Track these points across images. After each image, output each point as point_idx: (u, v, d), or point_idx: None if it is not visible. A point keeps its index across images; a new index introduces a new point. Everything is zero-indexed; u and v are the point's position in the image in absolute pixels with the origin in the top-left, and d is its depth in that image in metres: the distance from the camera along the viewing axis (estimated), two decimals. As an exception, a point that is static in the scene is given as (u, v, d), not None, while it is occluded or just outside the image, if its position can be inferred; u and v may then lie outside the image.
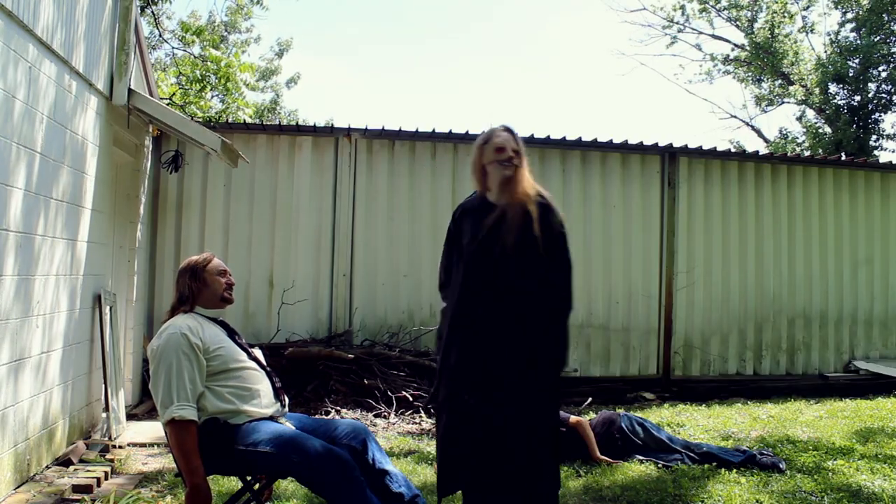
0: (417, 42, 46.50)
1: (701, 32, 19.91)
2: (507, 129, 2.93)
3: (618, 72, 44.06)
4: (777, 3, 17.99)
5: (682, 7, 19.22)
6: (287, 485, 3.96)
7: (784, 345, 8.05)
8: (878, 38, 16.35)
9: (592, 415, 5.70)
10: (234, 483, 3.90)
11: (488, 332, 2.77)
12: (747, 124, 20.75)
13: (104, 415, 5.10)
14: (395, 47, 45.07)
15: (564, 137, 7.47)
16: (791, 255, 8.12)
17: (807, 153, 14.48)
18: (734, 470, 4.40)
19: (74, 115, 4.64)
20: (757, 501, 3.87)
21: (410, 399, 6.18)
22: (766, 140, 20.34)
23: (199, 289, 3.04)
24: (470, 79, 47.32)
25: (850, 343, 8.29)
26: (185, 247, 6.95)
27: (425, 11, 45.51)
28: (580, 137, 7.46)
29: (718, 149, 7.96)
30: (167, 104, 7.50)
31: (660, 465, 4.55)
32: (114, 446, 4.90)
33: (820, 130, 17.67)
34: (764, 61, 18.13)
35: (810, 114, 18.40)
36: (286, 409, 3.10)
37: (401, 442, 5.33)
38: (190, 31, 9.67)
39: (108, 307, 5.28)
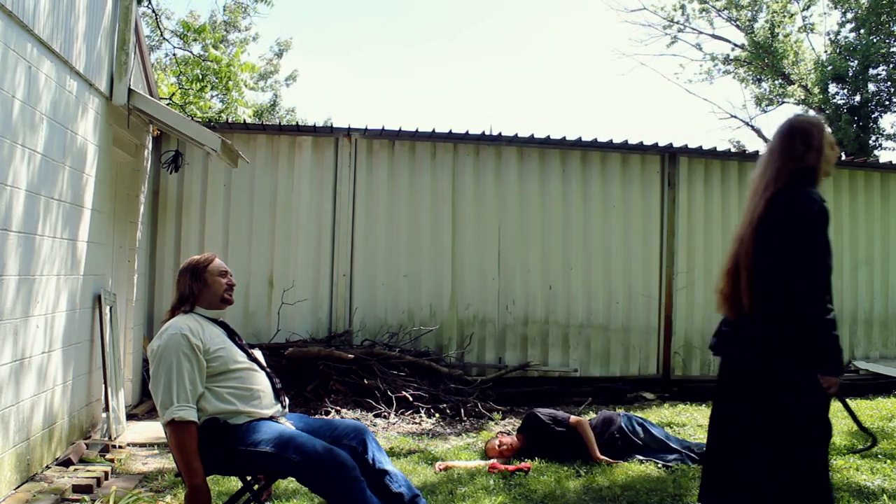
0: (417, 42, 46.53)
1: (701, 32, 19.91)
2: None
3: (618, 72, 44.15)
4: (777, 3, 18.00)
5: (682, 7, 19.22)
6: (287, 485, 3.96)
7: (784, 345, 8.03)
8: (878, 38, 16.36)
9: (592, 415, 5.70)
10: (234, 483, 3.90)
11: None
12: (747, 124, 20.76)
13: (104, 415, 5.11)
14: (394, 47, 45.11)
15: (564, 137, 7.47)
16: (791, 255, 8.10)
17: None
18: (734, 470, 4.40)
19: (74, 115, 4.64)
20: (757, 501, 3.87)
21: (410, 399, 6.18)
22: (766, 140, 20.32)
23: (199, 289, 3.04)
24: (470, 79, 47.37)
25: (850, 343, 8.27)
26: (185, 247, 6.95)
27: (424, 12, 45.54)
28: (580, 137, 7.46)
29: (718, 149, 7.96)
30: (167, 104, 7.50)
31: (660, 465, 4.55)
32: (114, 446, 4.90)
33: (820, 130, 17.64)
34: (764, 61, 18.14)
35: (811, 113, 18.39)
36: (286, 409, 3.11)
37: (401, 442, 5.33)
38: (191, 30, 9.68)
39: (108, 307, 5.28)
